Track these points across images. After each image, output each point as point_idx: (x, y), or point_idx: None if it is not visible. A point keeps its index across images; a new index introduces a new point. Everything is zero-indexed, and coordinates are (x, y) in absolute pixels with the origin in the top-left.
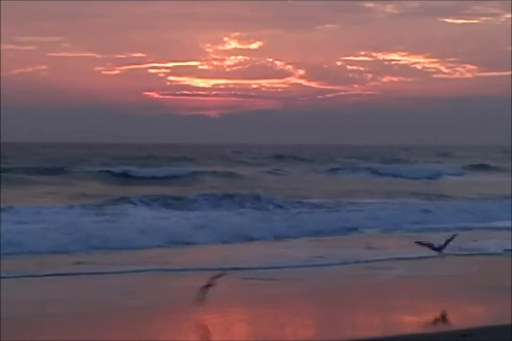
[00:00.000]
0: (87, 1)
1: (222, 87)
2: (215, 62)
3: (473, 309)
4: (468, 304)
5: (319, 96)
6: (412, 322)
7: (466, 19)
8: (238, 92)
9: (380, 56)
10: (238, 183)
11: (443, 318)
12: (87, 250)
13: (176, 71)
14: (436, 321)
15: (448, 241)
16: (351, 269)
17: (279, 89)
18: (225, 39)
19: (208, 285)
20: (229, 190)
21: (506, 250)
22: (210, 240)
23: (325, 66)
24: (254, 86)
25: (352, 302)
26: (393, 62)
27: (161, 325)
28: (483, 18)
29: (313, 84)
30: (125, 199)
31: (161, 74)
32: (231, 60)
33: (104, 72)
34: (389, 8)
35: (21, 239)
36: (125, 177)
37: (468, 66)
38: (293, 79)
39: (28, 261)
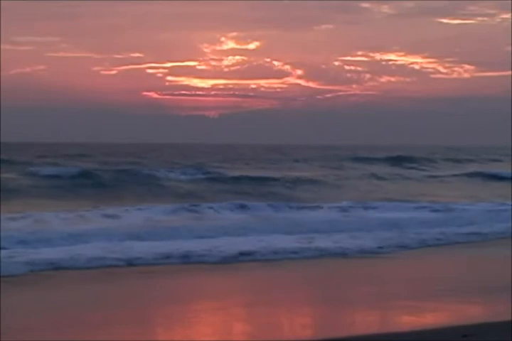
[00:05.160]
0: (85, 1)
1: (220, 87)
2: (213, 63)
3: (473, 309)
4: (468, 303)
5: (318, 96)
6: (411, 321)
7: (462, 19)
8: (237, 92)
9: (378, 56)
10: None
11: None
12: None
13: (174, 71)
14: None
15: None
16: None
17: (278, 89)
18: (223, 39)
19: None
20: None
21: None
22: None
23: (323, 66)
24: (253, 86)
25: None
26: (391, 62)
27: None
28: (479, 19)
29: (311, 84)
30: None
31: (159, 75)
32: (229, 60)
33: (102, 72)
34: (385, 8)
35: None
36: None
37: (466, 66)
38: (291, 79)
39: None
